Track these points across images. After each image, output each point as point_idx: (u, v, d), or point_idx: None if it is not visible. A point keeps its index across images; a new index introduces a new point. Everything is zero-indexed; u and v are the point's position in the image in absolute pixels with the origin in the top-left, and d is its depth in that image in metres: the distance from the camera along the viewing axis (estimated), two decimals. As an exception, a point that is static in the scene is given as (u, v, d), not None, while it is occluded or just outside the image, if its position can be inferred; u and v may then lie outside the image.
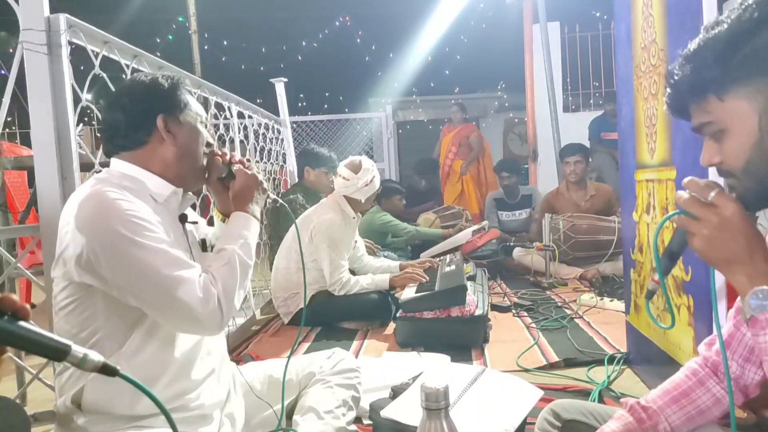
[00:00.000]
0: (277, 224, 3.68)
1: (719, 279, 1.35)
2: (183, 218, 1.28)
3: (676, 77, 0.80)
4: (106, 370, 0.65)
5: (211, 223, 1.48)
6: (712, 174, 0.92)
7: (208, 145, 1.30)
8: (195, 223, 1.36)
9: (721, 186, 0.78)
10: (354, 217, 2.94)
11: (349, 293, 2.84)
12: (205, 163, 1.30)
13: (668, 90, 0.83)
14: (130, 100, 1.20)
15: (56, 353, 0.63)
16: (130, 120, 1.19)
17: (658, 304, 1.81)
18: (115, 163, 1.22)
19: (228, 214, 1.38)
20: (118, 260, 1.04)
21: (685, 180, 0.80)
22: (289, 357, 1.41)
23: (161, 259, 1.06)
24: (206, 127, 1.31)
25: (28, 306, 0.64)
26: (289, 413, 1.44)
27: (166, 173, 1.22)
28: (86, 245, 1.04)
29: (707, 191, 0.77)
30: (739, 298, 0.77)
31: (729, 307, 1.00)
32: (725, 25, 0.74)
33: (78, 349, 0.64)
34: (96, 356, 0.64)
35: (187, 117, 1.24)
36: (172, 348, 1.16)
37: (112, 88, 1.87)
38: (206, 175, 1.32)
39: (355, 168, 2.88)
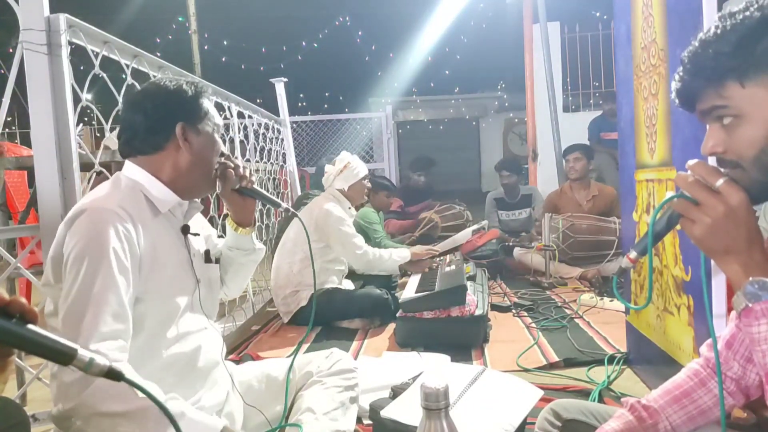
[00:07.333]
0: (285, 224, 3.66)
1: (718, 280, 1.36)
2: (185, 230, 1.28)
3: (693, 60, 0.77)
4: (112, 375, 0.64)
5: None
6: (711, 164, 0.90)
7: (222, 154, 1.30)
8: (197, 234, 1.35)
9: (727, 174, 0.75)
10: (349, 208, 3.11)
11: (374, 265, 3.01)
12: (217, 172, 1.30)
13: (682, 74, 0.79)
14: (153, 105, 1.21)
15: (63, 357, 0.63)
16: (150, 124, 1.20)
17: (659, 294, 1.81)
18: (128, 167, 1.23)
19: (242, 223, 1.40)
20: (73, 276, 1.04)
21: (691, 162, 0.77)
22: (294, 356, 1.41)
23: (96, 306, 1.03)
24: (221, 136, 1.32)
25: (36, 309, 0.64)
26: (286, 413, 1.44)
27: (175, 182, 1.22)
28: (65, 247, 1.07)
29: (715, 177, 0.74)
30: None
31: (729, 308, 1.00)
32: (752, 12, 0.72)
33: (84, 353, 0.63)
34: (102, 360, 0.64)
35: (205, 126, 1.26)
36: (168, 356, 1.16)
37: (113, 89, 1.88)
38: (218, 185, 1.32)
39: (332, 162, 3.21)
